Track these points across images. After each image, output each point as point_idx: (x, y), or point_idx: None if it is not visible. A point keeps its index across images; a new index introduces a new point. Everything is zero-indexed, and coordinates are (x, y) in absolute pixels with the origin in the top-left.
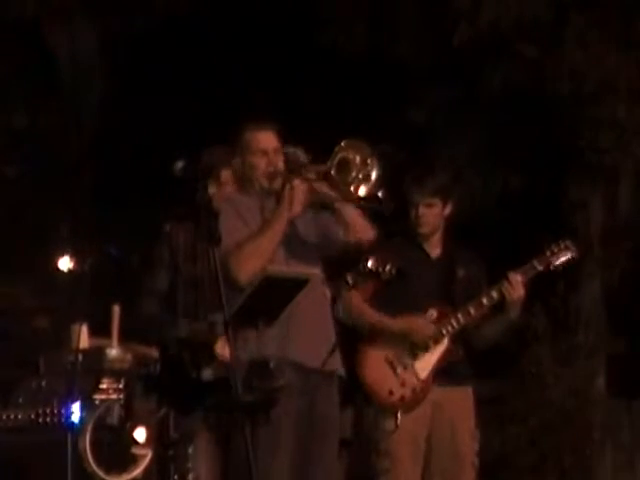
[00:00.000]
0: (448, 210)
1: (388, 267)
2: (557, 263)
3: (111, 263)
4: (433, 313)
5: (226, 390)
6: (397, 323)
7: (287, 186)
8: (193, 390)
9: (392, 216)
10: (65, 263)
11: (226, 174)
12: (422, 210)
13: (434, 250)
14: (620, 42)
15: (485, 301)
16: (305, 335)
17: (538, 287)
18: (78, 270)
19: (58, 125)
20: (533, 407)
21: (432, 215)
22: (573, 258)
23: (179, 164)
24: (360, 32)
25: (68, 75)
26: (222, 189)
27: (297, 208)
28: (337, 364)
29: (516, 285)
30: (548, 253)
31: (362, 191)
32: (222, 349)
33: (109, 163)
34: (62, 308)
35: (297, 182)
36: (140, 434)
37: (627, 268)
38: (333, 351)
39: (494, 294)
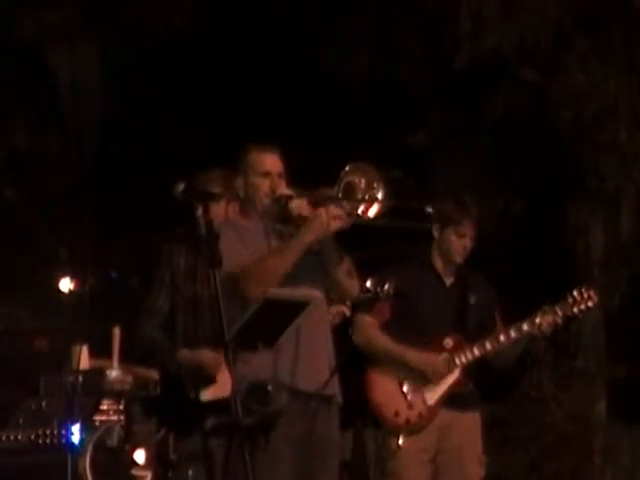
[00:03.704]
0: None
1: (386, 287)
2: (577, 311)
3: (111, 284)
4: (449, 342)
5: (226, 413)
6: (414, 355)
7: (311, 212)
8: (193, 412)
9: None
10: (65, 284)
11: (215, 207)
12: (467, 242)
13: (449, 277)
14: (622, 67)
15: (502, 338)
16: (304, 359)
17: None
18: (78, 291)
19: (58, 147)
20: (534, 431)
21: (470, 246)
22: (594, 307)
23: (180, 187)
24: (361, 56)
25: (68, 97)
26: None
27: (319, 234)
28: (336, 388)
29: (537, 328)
30: (570, 300)
31: (371, 213)
32: (221, 372)
33: (109, 185)
34: (62, 329)
35: (323, 210)
36: (140, 456)
37: (627, 293)
38: (333, 375)
39: (512, 332)
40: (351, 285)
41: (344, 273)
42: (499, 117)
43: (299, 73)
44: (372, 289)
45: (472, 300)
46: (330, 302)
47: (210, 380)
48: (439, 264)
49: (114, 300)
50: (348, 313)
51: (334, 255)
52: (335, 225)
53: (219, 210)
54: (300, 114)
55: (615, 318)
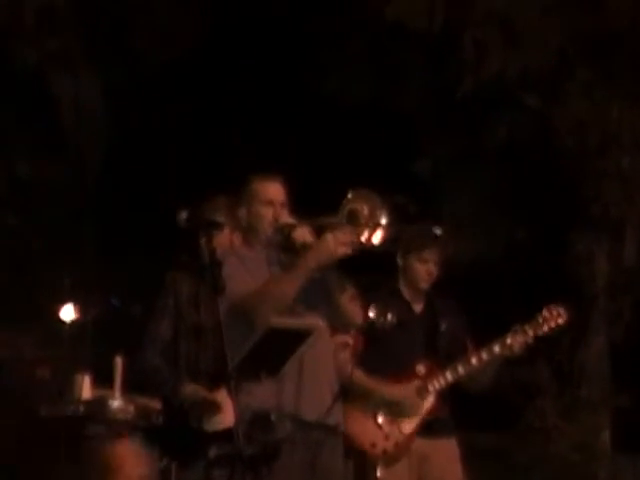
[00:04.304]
0: None
1: (389, 316)
2: (547, 329)
3: (114, 313)
4: (421, 368)
5: (228, 442)
6: (388, 390)
7: (323, 237)
8: (195, 442)
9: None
10: (68, 313)
11: (219, 236)
12: (432, 267)
13: (418, 304)
14: (624, 94)
15: (474, 361)
16: (308, 388)
17: (542, 341)
18: (81, 320)
19: (61, 174)
20: (537, 461)
21: (435, 272)
22: (564, 324)
23: (183, 214)
24: (365, 83)
25: (71, 123)
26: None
27: (325, 259)
28: (340, 418)
29: (508, 349)
30: (540, 319)
31: (375, 239)
32: (224, 401)
33: (112, 212)
34: (64, 358)
35: (330, 235)
36: None
37: (632, 321)
38: (335, 403)
39: (484, 355)
40: (355, 312)
41: (347, 300)
42: (502, 144)
43: (302, 100)
44: (375, 318)
45: (442, 327)
46: (334, 332)
47: (214, 414)
48: (406, 291)
49: (116, 329)
50: (352, 342)
51: (338, 282)
52: (341, 251)
53: (223, 239)
54: (303, 142)
55: (619, 347)
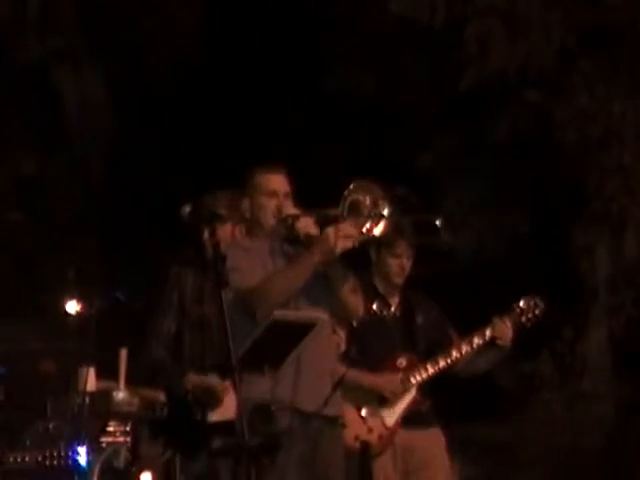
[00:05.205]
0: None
1: (392, 309)
2: (525, 320)
3: (118, 306)
4: (402, 362)
5: (232, 434)
6: (369, 379)
7: (318, 231)
8: (199, 434)
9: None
10: (72, 306)
11: (222, 229)
12: (404, 262)
13: (393, 299)
14: (626, 88)
15: (455, 353)
16: (306, 380)
17: (545, 334)
18: (85, 313)
19: (65, 170)
20: (540, 453)
21: (408, 266)
22: (541, 315)
23: (186, 208)
24: (367, 78)
25: (75, 121)
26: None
27: (328, 254)
28: (340, 409)
29: (489, 340)
30: (518, 310)
31: (377, 231)
32: (228, 393)
33: (116, 207)
34: (69, 351)
35: (331, 229)
36: (147, 477)
37: (633, 314)
38: (334, 394)
39: (464, 347)
40: (356, 304)
41: (349, 291)
42: (504, 139)
43: (306, 96)
44: (378, 311)
45: (419, 320)
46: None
47: (218, 403)
48: (381, 286)
49: (121, 322)
50: (343, 346)
51: (339, 273)
52: (344, 244)
53: (225, 232)
54: (307, 136)
55: (621, 339)
